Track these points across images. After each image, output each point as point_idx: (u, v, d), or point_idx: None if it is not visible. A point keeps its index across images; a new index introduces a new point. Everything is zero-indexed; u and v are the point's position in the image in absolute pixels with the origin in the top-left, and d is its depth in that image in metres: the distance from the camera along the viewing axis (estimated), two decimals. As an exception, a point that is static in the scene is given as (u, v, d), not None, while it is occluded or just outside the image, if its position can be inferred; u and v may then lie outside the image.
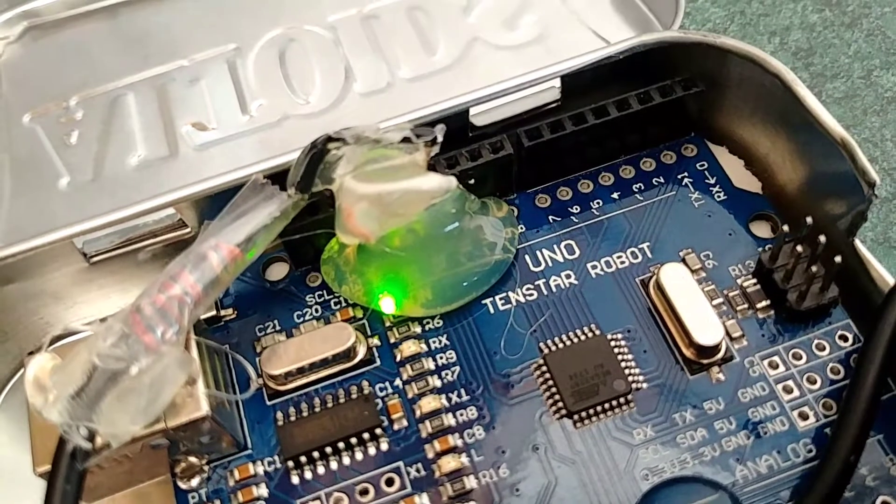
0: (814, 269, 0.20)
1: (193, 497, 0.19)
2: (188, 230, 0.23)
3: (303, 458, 0.19)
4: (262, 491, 0.19)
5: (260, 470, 0.20)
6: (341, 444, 0.20)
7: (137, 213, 0.22)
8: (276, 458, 0.20)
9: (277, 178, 0.21)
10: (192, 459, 0.20)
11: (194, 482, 0.20)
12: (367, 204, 0.20)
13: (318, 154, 0.20)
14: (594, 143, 0.23)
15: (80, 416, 0.17)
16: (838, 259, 0.19)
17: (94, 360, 0.17)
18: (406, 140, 0.20)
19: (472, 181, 0.22)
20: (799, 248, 0.20)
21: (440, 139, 0.20)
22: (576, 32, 0.29)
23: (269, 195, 0.20)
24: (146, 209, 0.22)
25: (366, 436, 0.20)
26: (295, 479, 0.19)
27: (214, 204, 0.22)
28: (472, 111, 0.23)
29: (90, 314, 0.24)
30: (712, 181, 0.23)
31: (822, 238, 0.20)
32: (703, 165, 0.24)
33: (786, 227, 0.20)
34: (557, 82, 0.23)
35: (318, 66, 0.30)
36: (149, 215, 0.22)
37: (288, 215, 0.21)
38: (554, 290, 0.22)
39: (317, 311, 0.22)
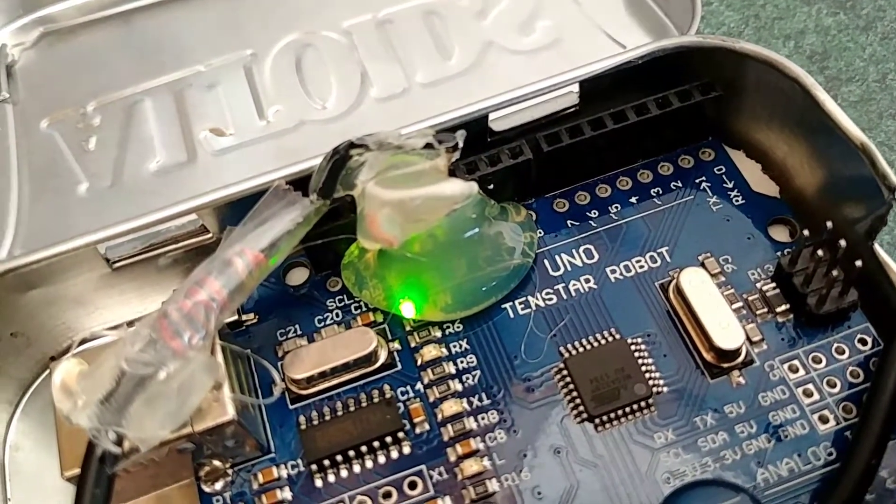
0: (834, 273, 0.20)
1: (218, 500, 0.20)
2: (209, 236, 0.23)
3: (326, 462, 0.20)
4: (286, 494, 0.20)
5: (283, 473, 0.20)
6: (364, 448, 0.20)
7: (160, 219, 0.22)
8: (300, 461, 0.20)
9: (299, 184, 0.21)
10: (217, 463, 0.20)
11: (218, 485, 0.20)
12: (391, 210, 0.20)
13: (341, 160, 0.20)
14: (612, 147, 0.23)
15: (109, 421, 0.17)
16: (859, 263, 0.19)
17: (122, 365, 0.18)
18: (428, 146, 0.20)
19: (491, 186, 0.23)
20: (819, 252, 0.20)
21: (461, 145, 0.21)
22: (591, 37, 0.29)
23: (292, 201, 0.21)
24: (169, 215, 0.22)
25: (388, 439, 0.20)
26: (318, 483, 0.20)
27: (236, 210, 0.22)
28: (491, 116, 0.23)
29: (111, 319, 0.24)
30: (730, 185, 0.24)
31: (843, 242, 0.20)
32: (720, 170, 0.24)
33: (805, 232, 0.21)
34: (576, 87, 0.23)
35: (335, 72, 0.30)
36: (171, 221, 0.22)
37: (310, 221, 0.21)
38: (573, 294, 0.22)
39: (337, 315, 0.22)
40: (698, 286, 0.21)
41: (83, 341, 0.20)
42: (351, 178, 0.20)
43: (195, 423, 0.18)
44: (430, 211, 0.20)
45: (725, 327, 0.20)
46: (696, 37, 0.23)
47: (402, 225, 0.20)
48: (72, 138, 0.29)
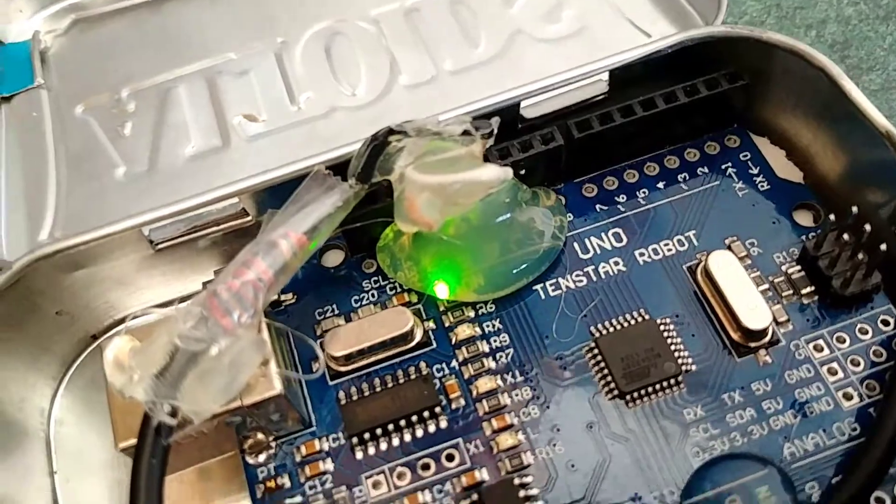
0: (858, 256, 0.20)
1: (262, 472, 0.20)
2: (249, 219, 0.24)
3: (366, 435, 0.20)
4: (328, 465, 0.20)
5: (325, 446, 0.21)
6: (402, 422, 0.21)
7: (203, 202, 0.23)
8: (340, 434, 0.21)
9: (338, 169, 0.21)
10: (260, 436, 0.21)
11: (262, 458, 0.21)
12: (430, 194, 0.21)
13: (379, 146, 0.21)
14: (641, 134, 0.24)
15: (164, 394, 0.18)
16: (884, 247, 0.20)
17: (175, 341, 0.18)
18: (465, 133, 0.21)
19: (522, 171, 0.23)
20: (844, 236, 0.21)
21: (496, 131, 0.21)
22: (616, 26, 0.30)
23: (332, 186, 0.21)
24: (212, 199, 0.23)
25: (426, 414, 0.21)
26: (359, 455, 0.20)
27: (275, 194, 0.23)
28: (523, 104, 0.24)
29: (152, 299, 0.25)
30: (755, 171, 0.24)
31: (867, 227, 0.20)
32: (746, 156, 0.24)
33: (832, 217, 0.21)
34: (606, 75, 0.24)
35: (364, 60, 0.30)
36: (213, 205, 0.23)
37: (349, 205, 0.21)
38: (603, 276, 0.23)
39: (373, 295, 0.23)
40: (726, 268, 0.21)
41: (133, 318, 0.21)
42: (389, 164, 0.21)
43: (244, 397, 0.19)
44: (467, 195, 0.21)
45: (753, 308, 0.20)
46: (724, 27, 0.24)
47: (440, 208, 0.21)
48: (107, 124, 0.30)
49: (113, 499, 0.22)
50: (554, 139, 0.23)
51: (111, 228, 0.23)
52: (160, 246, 0.24)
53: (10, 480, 0.22)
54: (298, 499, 0.20)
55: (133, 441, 0.18)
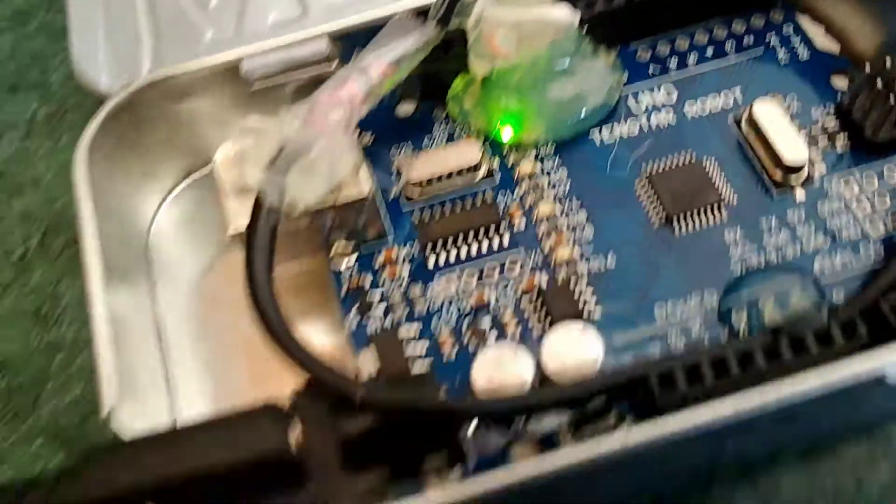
0: (890, 102, 0.23)
1: (345, 274, 0.23)
2: (336, 63, 0.26)
3: (437, 245, 0.23)
4: (406, 268, 0.23)
5: (401, 254, 0.23)
6: (470, 235, 0.23)
7: (296, 41, 0.25)
8: (415, 244, 0.23)
9: (419, 16, 0.24)
10: (344, 242, 0.23)
11: (345, 262, 0.23)
12: (506, 29, 0.23)
13: (458, -10, 0.23)
14: (693, 3, 0.26)
15: (274, 183, 0.21)
16: (914, 94, 0.22)
17: (280, 141, 0.21)
18: (537, -20, 0.23)
19: (584, 30, 0.25)
20: (878, 83, 0.23)
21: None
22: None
23: (413, 28, 0.24)
24: (303, 38, 0.25)
25: (491, 231, 0.23)
26: (431, 261, 0.23)
27: (361, 37, 0.25)
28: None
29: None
30: (797, 44, 0.26)
31: (901, 75, 0.22)
32: (788, 30, 0.27)
33: (867, 68, 0.23)
34: (663, -52, 0.26)
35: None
36: (307, 44, 0.25)
37: (428, 46, 0.24)
38: (653, 127, 0.25)
39: (443, 140, 0.26)
40: (769, 113, 0.23)
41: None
42: (467, 8, 0.23)
43: (336, 196, 0.22)
44: (540, 34, 0.23)
45: (793, 146, 0.23)
46: None
47: (516, 44, 0.23)
48: (192, -2, 0.33)
49: (201, 312, 0.25)
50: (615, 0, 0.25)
51: (211, 61, 0.25)
52: (254, 86, 0.26)
53: (119, 291, 0.24)
54: (378, 295, 0.23)
55: (243, 225, 0.21)
